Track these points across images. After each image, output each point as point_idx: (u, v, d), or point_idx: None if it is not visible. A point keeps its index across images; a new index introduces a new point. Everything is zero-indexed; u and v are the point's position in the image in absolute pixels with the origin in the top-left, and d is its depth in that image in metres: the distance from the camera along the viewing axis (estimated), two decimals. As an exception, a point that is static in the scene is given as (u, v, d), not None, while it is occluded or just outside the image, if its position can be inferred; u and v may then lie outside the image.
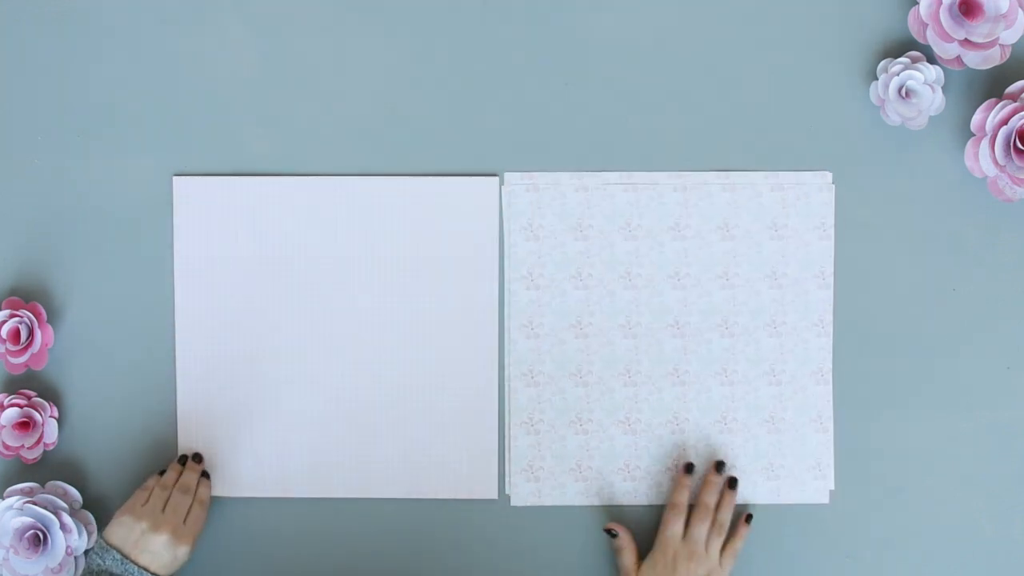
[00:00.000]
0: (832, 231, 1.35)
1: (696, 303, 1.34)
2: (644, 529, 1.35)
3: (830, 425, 1.35)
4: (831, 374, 1.35)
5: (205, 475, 1.34)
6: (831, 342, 1.35)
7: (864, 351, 1.35)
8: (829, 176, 1.35)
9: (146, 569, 1.25)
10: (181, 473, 1.32)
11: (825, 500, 1.35)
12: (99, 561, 1.24)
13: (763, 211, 1.34)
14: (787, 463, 1.35)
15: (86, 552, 1.32)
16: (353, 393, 1.35)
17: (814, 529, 1.35)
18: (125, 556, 1.24)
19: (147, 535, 1.25)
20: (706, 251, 1.34)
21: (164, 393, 1.36)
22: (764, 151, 1.35)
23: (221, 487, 1.36)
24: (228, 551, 1.36)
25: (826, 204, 1.34)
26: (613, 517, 1.35)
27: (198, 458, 1.34)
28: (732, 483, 1.33)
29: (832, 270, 1.35)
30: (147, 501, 1.28)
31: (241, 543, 1.36)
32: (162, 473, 1.33)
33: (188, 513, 1.29)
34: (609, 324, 1.35)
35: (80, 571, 1.30)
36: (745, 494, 1.35)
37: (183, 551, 1.27)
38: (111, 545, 1.25)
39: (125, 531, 1.26)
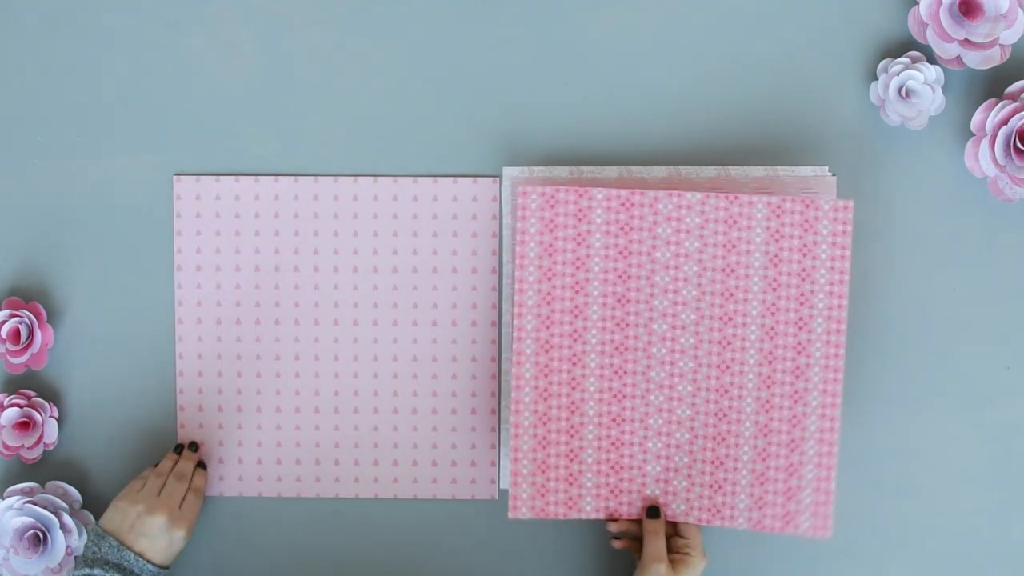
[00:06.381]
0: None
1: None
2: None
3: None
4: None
5: (202, 465, 1.34)
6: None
7: (864, 351, 1.35)
8: (827, 170, 1.35)
9: (142, 555, 1.24)
10: (176, 462, 1.32)
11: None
12: (95, 549, 1.24)
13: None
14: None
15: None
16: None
17: (814, 529, 1.36)
18: (121, 542, 1.24)
19: (143, 517, 1.25)
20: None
21: (164, 393, 1.36)
22: (764, 151, 1.35)
23: (221, 486, 1.36)
24: (227, 550, 1.36)
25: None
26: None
27: (194, 447, 1.34)
28: (654, 512, 1.32)
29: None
30: (142, 488, 1.28)
31: (240, 543, 1.36)
32: (157, 465, 1.33)
33: (184, 500, 1.29)
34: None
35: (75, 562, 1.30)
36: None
37: (179, 535, 1.27)
38: (107, 531, 1.25)
39: (120, 516, 1.26)
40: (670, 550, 1.29)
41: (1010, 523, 1.36)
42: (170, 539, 1.26)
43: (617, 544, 1.32)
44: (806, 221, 1.31)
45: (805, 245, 1.31)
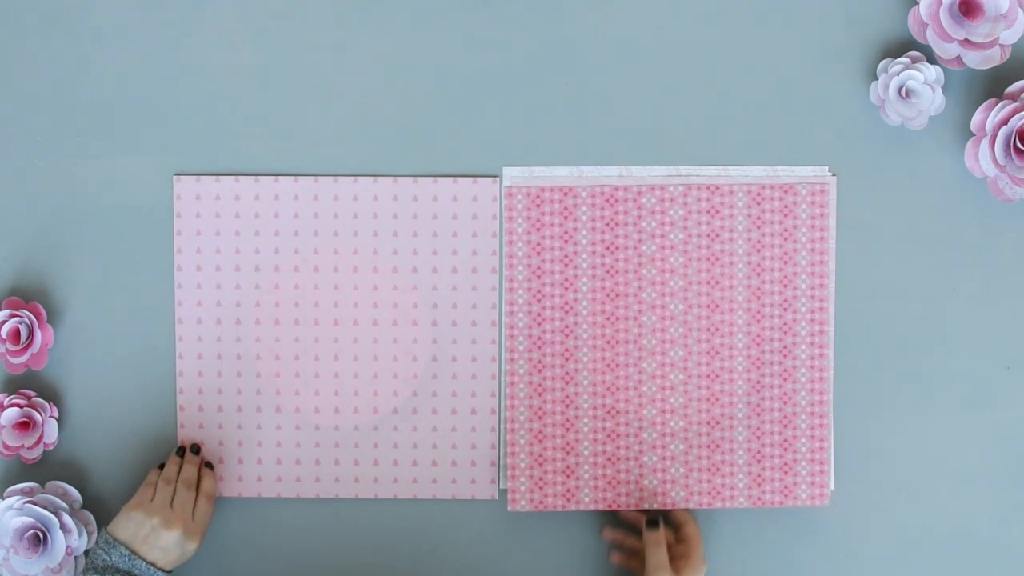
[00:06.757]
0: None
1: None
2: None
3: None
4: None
5: (209, 465, 1.34)
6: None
7: (864, 351, 1.35)
8: (827, 170, 1.35)
9: (153, 564, 1.24)
10: (181, 466, 1.32)
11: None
12: (104, 556, 1.24)
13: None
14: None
15: (86, 552, 1.32)
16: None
17: (814, 529, 1.35)
18: (133, 552, 1.24)
19: (159, 531, 1.25)
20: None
21: (164, 393, 1.36)
22: (764, 151, 1.35)
23: (221, 487, 1.36)
24: (228, 551, 1.36)
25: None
26: (610, 517, 1.35)
27: (196, 449, 1.34)
28: (654, 524, 1.30)
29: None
30: (153, 497, 1.28)
31: (241, 543, 1.36)
32: (162, 467, 1.33)
33: (195, 509, 1.29)
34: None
35: (80, 569, 1.30)
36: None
37: (192, 548, 1.27)
38: (118, 540, 1.25)
39: (135, 526, 1.25)
40: (670, 558, 1.29)
41: (1010, 523, 1.36)
42: (183, 551, 1.26)
43: (615, 559, 1.33)
44: (785, 206, 1.34)
45: (786, 229, 1.34)
